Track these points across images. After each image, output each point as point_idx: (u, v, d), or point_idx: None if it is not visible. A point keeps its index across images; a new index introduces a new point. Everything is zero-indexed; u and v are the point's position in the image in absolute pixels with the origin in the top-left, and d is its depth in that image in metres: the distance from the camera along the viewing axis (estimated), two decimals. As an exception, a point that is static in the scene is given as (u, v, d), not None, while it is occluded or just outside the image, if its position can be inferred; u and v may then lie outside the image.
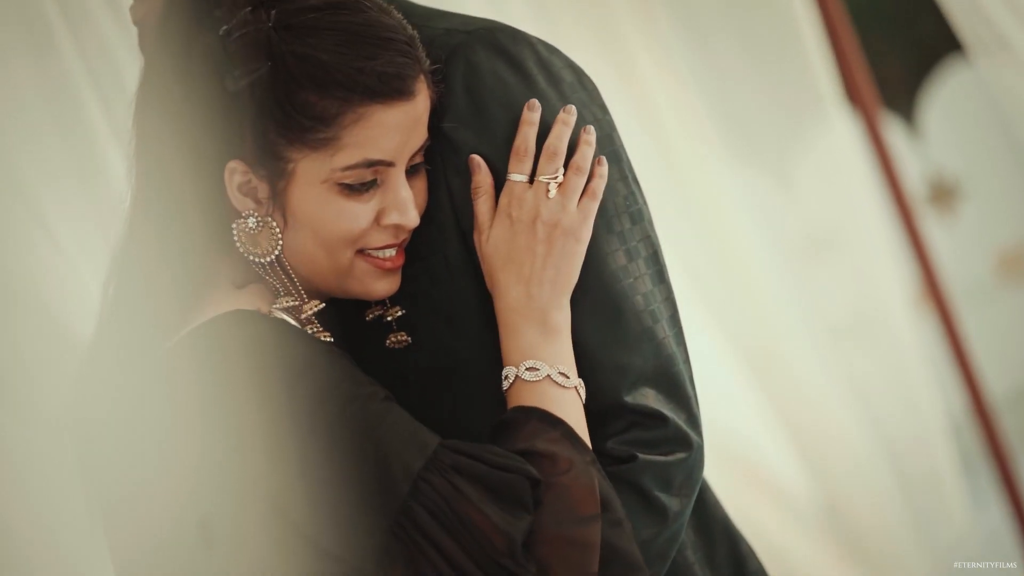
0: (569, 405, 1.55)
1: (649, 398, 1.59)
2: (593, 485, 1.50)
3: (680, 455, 1.59)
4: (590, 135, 1.60)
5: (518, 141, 1.59)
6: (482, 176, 1.59)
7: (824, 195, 3.74)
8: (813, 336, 3.63)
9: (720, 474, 3.11)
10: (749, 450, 3.44)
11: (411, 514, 1.44)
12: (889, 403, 3.70)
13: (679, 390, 1.61)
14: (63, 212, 2.69)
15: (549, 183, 1.58)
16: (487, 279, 1.59)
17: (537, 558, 1.46)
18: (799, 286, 3.74)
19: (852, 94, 3.58)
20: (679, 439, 1.59)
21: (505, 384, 1.57)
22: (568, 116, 1.60)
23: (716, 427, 2.93)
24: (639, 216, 1.63)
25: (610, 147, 1.63)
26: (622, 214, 1.62)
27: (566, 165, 1.59)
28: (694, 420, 1.61)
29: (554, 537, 1.47)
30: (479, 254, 1.60)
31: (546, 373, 1.55)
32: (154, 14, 1.61)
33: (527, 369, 1.56)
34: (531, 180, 1.59)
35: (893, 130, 5.05)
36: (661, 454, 1.58)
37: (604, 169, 1.60)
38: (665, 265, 1.65)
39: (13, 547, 1.98)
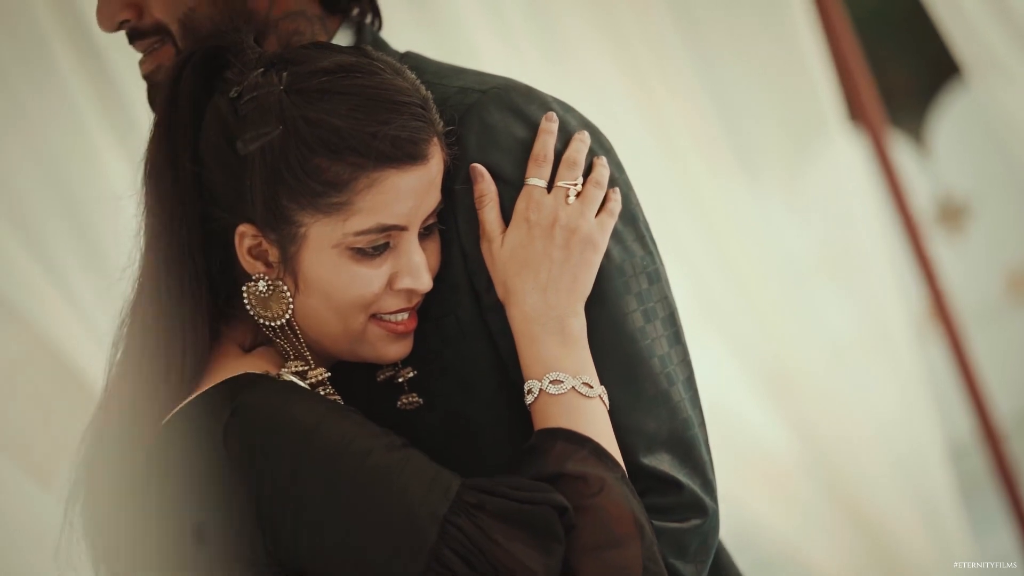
0: (596, 416, 1.53)
1: (664, 463, 1.56)
2: (627, 502, 1.48)
3: (695, 521, 1.57)
4: (603, 161, 1.60)
5: (537, 148, 1.57)
6: (486, 184, 1.57)
7: (832, 214, 3.73)
8: (819, 355, 3.61)
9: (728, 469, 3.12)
10: (756, 455, 3.44)
11: (442, 560, 1.43)
12: (894, 423, 3.68)
13: (694, 454, 1.58)
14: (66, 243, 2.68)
15: (569, 188, 1.56)
16: (499, 288, 1.57)
17: None
18: (806, 305, 3.72)
19: (859, 113, 3.56)
20: (694, 505, 1.57)
21: (529, 398, 1.55)
22: (583, 136, 1.59)
23: (722, 431, 2.95)
24: (656, 277, 1.61)
25: (627, 206, 1.61)
26: (639, 275, 1.60)
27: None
28: (709, 486, 1.59)
29: (592, 562, 1.46)
30: (488, 262, 1.57)
31: (570, 385, 1.53)
32: (163, 70, 1.58)
33: (551, 382, 1.53)
34: (548, 189, 1.57)
35: (901, 148, 5.03)
36: (676, 521, 1.56)
37: (618, 195, 1.59)
38: (681, 326, 1.63)
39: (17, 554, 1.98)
